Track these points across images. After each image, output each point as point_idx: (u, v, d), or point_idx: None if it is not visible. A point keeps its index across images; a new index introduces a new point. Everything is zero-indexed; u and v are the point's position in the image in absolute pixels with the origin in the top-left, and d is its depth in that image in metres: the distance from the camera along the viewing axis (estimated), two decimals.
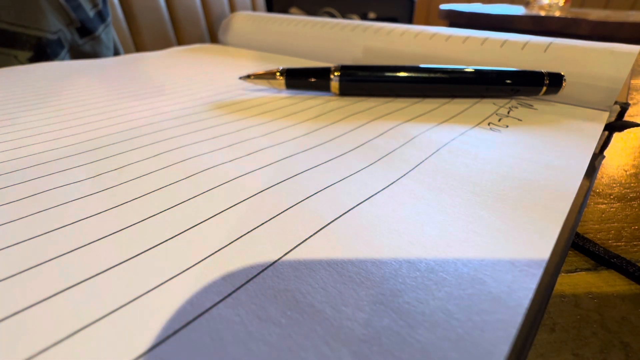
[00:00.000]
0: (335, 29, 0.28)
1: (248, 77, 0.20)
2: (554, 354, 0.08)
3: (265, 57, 0.30)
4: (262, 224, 0.09)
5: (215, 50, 0.33)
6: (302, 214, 0.09)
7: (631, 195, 0.14)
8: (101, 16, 0.36)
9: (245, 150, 0.13)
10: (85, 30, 0.34)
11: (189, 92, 0.20)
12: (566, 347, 0.08)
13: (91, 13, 0.35)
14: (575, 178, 0.11)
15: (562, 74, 0.18)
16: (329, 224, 0.09)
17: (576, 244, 0.11)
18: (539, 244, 0.08)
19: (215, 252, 0.08)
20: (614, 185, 0.14)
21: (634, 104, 0.24)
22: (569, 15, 0.64)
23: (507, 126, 0.15)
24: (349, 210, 0.09)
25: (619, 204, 0.13)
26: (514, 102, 0.18)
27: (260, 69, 0.26)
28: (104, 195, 0.10)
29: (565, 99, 0.19)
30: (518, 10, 0.79)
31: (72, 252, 0.08)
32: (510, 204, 0.10)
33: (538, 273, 0.07)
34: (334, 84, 0.19)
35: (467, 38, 0.22)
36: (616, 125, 0.17)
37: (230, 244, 0.08)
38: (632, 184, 0.14)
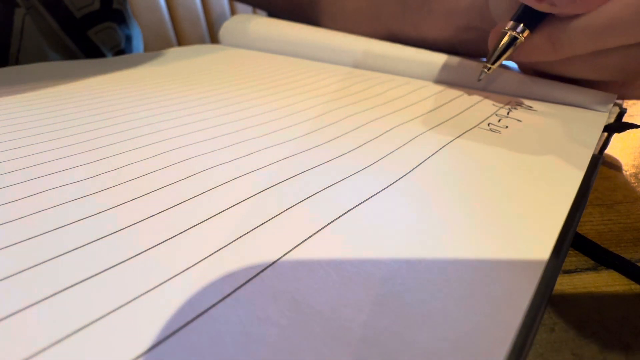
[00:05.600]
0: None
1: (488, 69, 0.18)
2: (554, 354, 0.08)
3: (267, 58, 0.30)
4: (262, 224, 0.09)
5: (216, 51, 0.33)
6: (302, 214, 0.09)
7: (631, 196, 0.14)
8: (121, 55, 0.35)
9: (245, 150, 0.13)
10: None
11: (188, 92, 0.20)
12: (566, 347, 0.08)
13: (109, 55, 0.34)
14: (574, 179, 0.11)
15: None
16: (328, 224, 0.09)
17: (576, 244, 0.11)
18: (539, 244, 0.08)
19: (215, 252, 0.08)
20: (614, 186, 0.14)
21: (633, 105, 0.24)
22: None
23: (507, 127, 0.15)
24: (349, 211, 0.09)
25: (619, 204, 0.13)
26: (513, 103, 0.18)
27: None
28: (104, 195, 0.10)
29: (564, 101, 0.19)
30: None
31: (71, 252, 0.08)
32: (509, 205, 0.10)
33: (538, 274, 0.07)
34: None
35: None
36: (615, 126, 0.17)
37: (229, 244, 0.08)
38: (632, 184, 0.14)
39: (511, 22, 0.17)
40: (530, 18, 0.17)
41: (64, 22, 0.30)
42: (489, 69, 0.18)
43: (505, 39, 0.17)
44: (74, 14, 0.30)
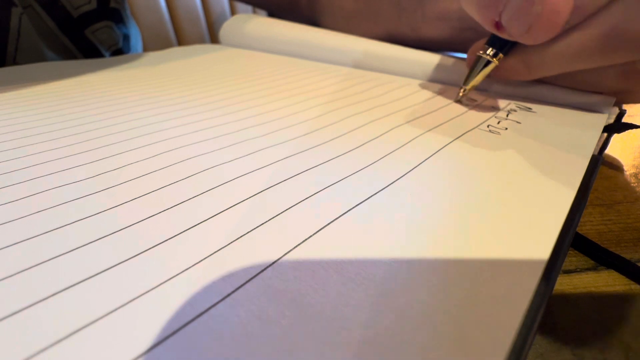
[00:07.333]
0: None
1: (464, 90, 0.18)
2: (554, 354, 0.08)
3: (267, 58, 0.30)
4: (262, 224, 0.09)
5: (216, 51, 0.33)
6: (302, 214, 0.09)
7: (631, 196, 0.14)
8: (119, 54, 0.35)
9: (245, 150, 0.13)
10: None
11: (188, 92, 0.20)
12: (566, 347, 0.08)
13: (106, 54, 0.34)
14: (574, 179, 0.11)
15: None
16: (328, 224, 0.09)
17: (576, 244, 0.11)
18: (539, 244, 0.08)
19: (215, 252, 0.08)
20: (614, 186, 0.14)
21: (633, 105, 0.24)
22: None
23: (507, 128, 0.15)
24: (349, 210, 0.09)
25: (619, 204, 0.13)
26: (512, 105, 0.18)
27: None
28: (104, 195, 0.10)
29: (563, 102, 0.19)
30: None
31: (72, 252, 0.08)
32: (509, 205, 0.10)
33: (538, 273, 0.07)
34: None
35: None
36: (615, 127, 0.17)
37: (229, 244, 0.08)
38: (632, 184, 0.14)
39: (485, 46, 0.17)
40: (503, 43, 0.17)
41: (61, 21, 0.30)
42: (465, 90, 0.18)
43: (480, 62, 0.18)
44: (71, 13, 0.30)
